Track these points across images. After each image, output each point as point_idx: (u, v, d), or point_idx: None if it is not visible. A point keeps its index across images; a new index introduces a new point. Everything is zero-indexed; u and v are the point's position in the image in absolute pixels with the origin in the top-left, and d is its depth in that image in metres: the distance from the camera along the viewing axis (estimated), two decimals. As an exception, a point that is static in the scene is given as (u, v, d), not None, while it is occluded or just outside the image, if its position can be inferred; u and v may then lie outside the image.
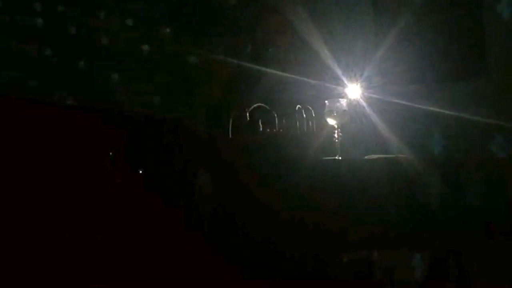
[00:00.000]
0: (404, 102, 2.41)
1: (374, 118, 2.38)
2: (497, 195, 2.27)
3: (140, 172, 2.42)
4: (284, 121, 2.37)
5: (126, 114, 2.55)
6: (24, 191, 2.08)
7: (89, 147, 2.31)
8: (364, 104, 2.38)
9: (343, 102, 2.17)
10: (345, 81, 2.43)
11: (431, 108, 2.38)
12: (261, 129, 2.34)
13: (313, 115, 2.37)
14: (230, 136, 2.32)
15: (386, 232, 1.96)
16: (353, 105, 2.31)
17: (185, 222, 2.21)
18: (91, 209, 2.16)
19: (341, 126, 2.17)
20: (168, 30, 2.76)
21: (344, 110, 2.16)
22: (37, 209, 2.07)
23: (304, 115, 2.37)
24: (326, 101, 2.17)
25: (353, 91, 2.37)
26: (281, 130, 2.35)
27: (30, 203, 2.07)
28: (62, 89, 2.53)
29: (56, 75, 2.55)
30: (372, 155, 2.23)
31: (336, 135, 2.17)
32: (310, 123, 2.36)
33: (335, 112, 2.15)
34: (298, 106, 2.37)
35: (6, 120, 2.14)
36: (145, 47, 2.72)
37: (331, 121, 2.17)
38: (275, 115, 2.36)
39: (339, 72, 2.48)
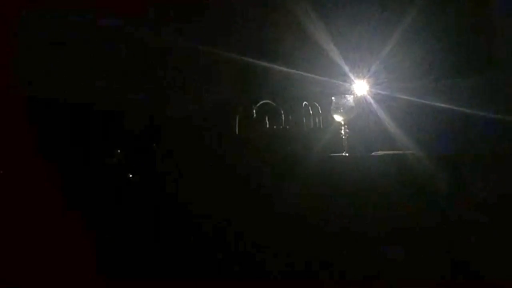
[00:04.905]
0: (411, 98, 2.40)
1: (381, 114, 2.38)
2: (504, 191, 2.26)
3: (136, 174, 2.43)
4: (290, 117, 2.37)
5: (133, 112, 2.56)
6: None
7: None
8: (371, 100, 2.37)
9: (350, 98, 2.17)
10: (352, 77, 2.42)
11: (438, 104, 2.37)
12: (267, 125, 2.34)
13: (320, 111, 2.37)
14: (237, 132, 2.32)
15: (393, 229, 1.96)
16: (360, 101, 2.31)
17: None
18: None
19: (348, 123, 2.17)
20: (175, 27, 2.76)
21: (351, 107, 2.16)
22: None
23: (311, 112, 2.37)
24: (332, 98, 2.17)
25: (360, 87, 2.36)
26: (287, 127, 2.35)
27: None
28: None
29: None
30: (379, 152, 2.23)
31: (343, 132, 2.17)
32: (316, 119, 2.36)
33: (342, 108, 2.15)
34: (305, 102, 2.37)
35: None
36: (152, 44, 2.72)
37: (338, 118, 2.17)
38: (282, 111, 2.36)
39: (346, 68, 2.47)
